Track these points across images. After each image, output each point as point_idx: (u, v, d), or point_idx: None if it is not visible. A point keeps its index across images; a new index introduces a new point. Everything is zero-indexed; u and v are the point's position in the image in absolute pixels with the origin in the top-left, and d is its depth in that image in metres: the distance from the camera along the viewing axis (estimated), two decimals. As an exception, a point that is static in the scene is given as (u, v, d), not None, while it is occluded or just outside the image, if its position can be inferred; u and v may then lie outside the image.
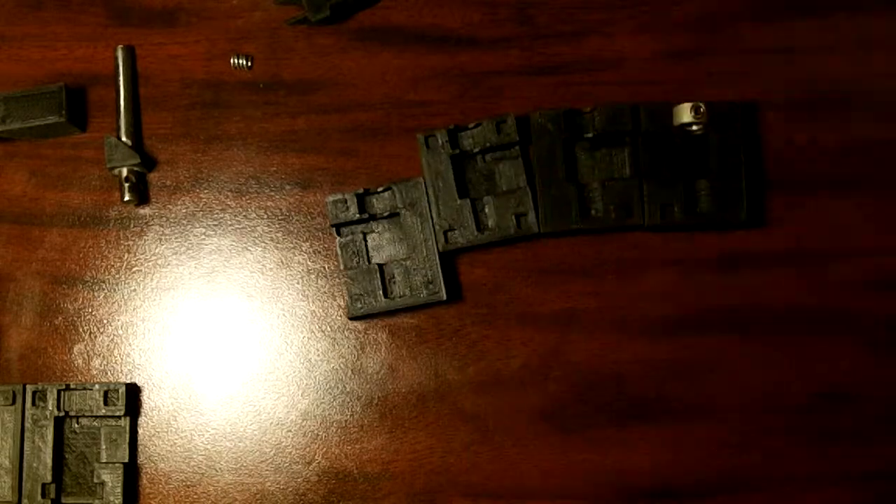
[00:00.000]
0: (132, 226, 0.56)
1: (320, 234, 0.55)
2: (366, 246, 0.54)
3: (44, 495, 0.52)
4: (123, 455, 0.52)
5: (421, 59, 0.56)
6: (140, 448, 0.54)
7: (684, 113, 0.53)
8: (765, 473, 0.53)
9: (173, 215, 0.56)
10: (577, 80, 0.56)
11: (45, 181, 0.56)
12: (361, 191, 0.54)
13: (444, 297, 0.53)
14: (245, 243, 0.55)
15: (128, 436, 0.53)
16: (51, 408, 0.52)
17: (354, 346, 0.54)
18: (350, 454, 0.54)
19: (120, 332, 0.55)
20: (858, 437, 0.53)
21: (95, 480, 0.52)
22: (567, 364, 0.54)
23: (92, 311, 0.55)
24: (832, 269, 0.54)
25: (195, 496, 0.54)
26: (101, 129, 0.56)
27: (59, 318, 0.55)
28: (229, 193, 0.56)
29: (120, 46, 0.56)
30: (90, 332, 0.55)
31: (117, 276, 0.55)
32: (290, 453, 0.54)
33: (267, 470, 0.54)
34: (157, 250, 0.56)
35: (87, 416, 0.53)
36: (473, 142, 0.54)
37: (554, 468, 0.53)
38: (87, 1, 0.57)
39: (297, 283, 0.55)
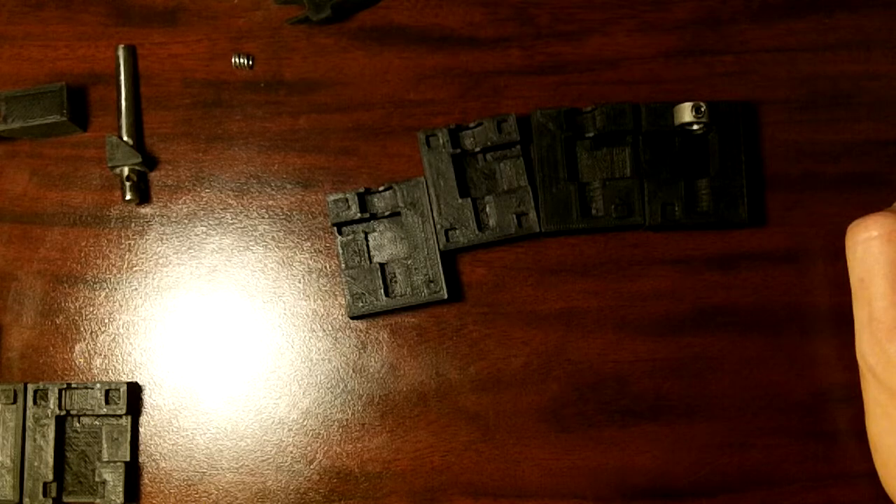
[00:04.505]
0: (133, 225, 0.56)
1: (321, 233, 0.55)
2: (367, 245, 0.54)
3: (45, 494, 0.52)
4: (125, 454, 0.53)
5: (422, 58, 0.56)
6: (141, 447, 0.54)
7: (685, 112, 0.53)
8: (765, 473, 0.53)
9: (174, 214, 0.56)
10: (577, 80, 0.56)
11: (47, 180, 0.56)
12: (362, 190, 0.54)
13: (446, 297, 0.53)
14: (246, 242, 0.55)
15: (129, 435, 0.53)
16: (52, 407, 0.52)
17: (356, 345, 0.55)
18: (351, 453, 0.54)
19: (121, 331, 0.55)
20: (858, 437, 0.53)
21: (97, 479, 0.52)
22: (568, 363, 0.54)
23: (93, 310, 0.55)
24: (833, 269, 0.54)
25: (196, 495, 0.54)
26: (103, 128, 0.56)
27: (61, 317, 0.55)
28: (230, 192, 0.56)
29: (121, 46, 0.56)
30: (91, 331, 0.55)
31: (118, 275, 0.55)
32: (291, 452, 0.54)
33: (268, 469, 0.54)
34: (158, 249, 0.56)
35: (89, 415, 0.53)
36: (474, 141, 0.54)
37: (555, 467, 0.53)
38: (88, 0, 0.57)
39: (299, 282, 0.55)
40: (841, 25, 0.57)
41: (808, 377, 0.54)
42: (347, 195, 0.54)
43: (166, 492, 0.54)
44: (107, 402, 0.53)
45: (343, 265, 0.54)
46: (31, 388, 0.53)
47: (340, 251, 0.54)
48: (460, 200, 0.53)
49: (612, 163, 0.55)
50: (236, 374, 0.55)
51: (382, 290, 0.53)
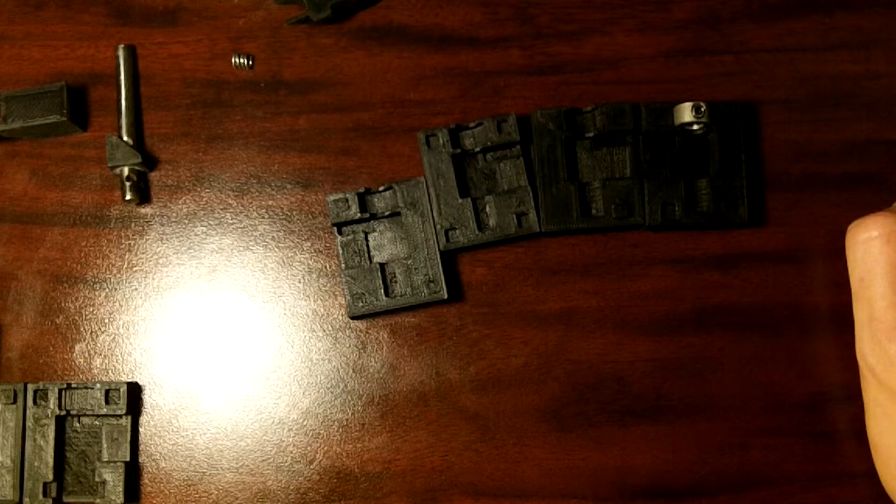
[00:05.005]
0: (133, 225, 0.56)
1: (321, 233, 0.55)
2: (367, 245, 0.54)
3: (45, 494, 0.52)
4: (125, 454, 0.53)
5: (422, 58, 0.56)
6: (141, 447, 0.54)
7: (685, 112, 0.53)
8: (765, 473, 0.53)
9: (174, 214, 0.56)
10: (577, 80, 0.56)
11: (47, 180, 0.56)
12: (362, 190, 0.54)
13: (446, 297, 0.53)
14: (246, 242, 0.55)
15: (129, 434, 0.53)
16: (52, 407, 0.52)
17: (356, 345, 0.55)
18: (351, 453, 0.54)
19: (121, 331, 0.55)
20: (858, 437, 0.53)
21: (97, 479, 0.52)
22: (568, 363, 0.54)
23: (93, 310, 0.55)
24: (833, 269, 0.54)
25: (196, 495, 0.54)
26: (103, 128, 0.56)
27: (61, 317, 0.55)
28: (230, 192, 0.56)
29: (121, 46, 0.56)
30: (91, 331, 0.55)
31: (118, 275, 0.55)
32: (291, 452, 0.54)
33: (268, 469, 0.54)
34: (158, 249, 0.56)
35: (89, 415, 0.53)
36: (474, 141, 0.54)
37: (555, 467, 0.53)
38: (88, 0, 0.57)
39: (299, 282, 0.55)
40: (841, 25, 0.57)
41: (808, 377, 0.54)
42: (347, 195, 0.54)
43: (166, 492, 0.54)
44: (107, 402, 0.53)
45: (343, 265, 0.54)
46: (31, 388, 0.53)
47: (340, 251, 0.54)
48: (460, 200, 0.53)
49: (612, 163, 0.55)
50: (236, 374, 0.55)
51: (382, 290, 0.53)
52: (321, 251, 0.55)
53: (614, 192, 0.54)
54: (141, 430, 0.54)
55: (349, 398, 0.54)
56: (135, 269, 0.55)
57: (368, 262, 0.54)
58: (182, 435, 0.54)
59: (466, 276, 0.55)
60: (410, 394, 0.54)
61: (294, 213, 0.56)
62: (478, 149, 0.54)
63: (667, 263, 0.55)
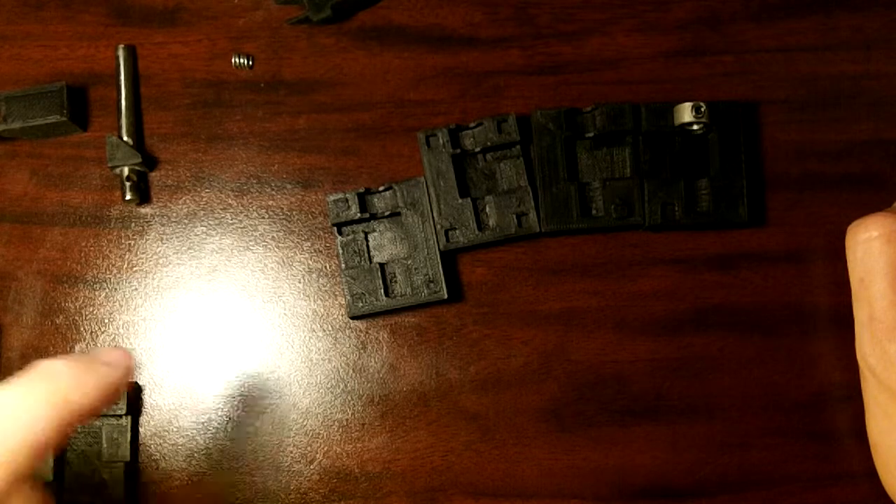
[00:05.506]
0: (133, 225, 0.56)
1: (321, 233, 0.55)
2: (367, 245, 0.54)
3: (45, 494, 0.52)
4: (125, 454, 0.52)
5: (422, 58, 0.56)
6: (141, 447, 0.54)
7: (685, 112, 0.53)
8: (765, 473, 0.53)
9: (174, 214, 0.56)
10: (577, 80, 0.56)
11: (47, 180, 0.56)
12: (362, 190, 0.54)
13: (446, 297, 0.53)
14: (246, 242, 0.55)
15: (129, 435, 0.53)
16: (52, 407, 0.52)
17: (355, 345, 0.55)
18: (351, 453, 0.54)
19: (121, 331, 0.55)
20: (858, 437, 0.53)
21: (97, 479, 0.52)
22: (568, 363, 0.54)
23: (93, 310, 0.55)
24: (833, 269, 0.54)
25: (197, 495, 0.54)
26: (103, 128, 0.56)
27: (61, 318, 0.55)
28: (230, 193, 0.56)
29: (121, 46, 0.56)
30: (91, 332, 0.55)
31: (118, 275, 0.55)
32: (291, 452, 0.54)
33: (268, 469, 0.54)
34: (158, 249, 0.56)
35: (89, 415, 0.53)
36: (474, 141, 0.54)
37: (555, 467, 0.53)
38: (88, 0, 0.57)
39: (299, 282, 0.55)
40: (841, 25, 0.57)
41: (808, 377, 0.54)
42: (347, 195, 0.54)
43: (166, 492, 0.54)
44: (107, 402, 0.53)
45: (343, 265, 0.54)
46: (31, 388, 0.53)
47: (340, 251, 0.54)
48: (460, 200, 0.53)
49: (612, 163, 0.55)
50: (236, 374, 0.55)
51: (382, 290, 0.53)
52: (321, 251, 0.55)
53: (614, 192, 0.54)
54: (141, 430, 0.54)
55: (349, 398, 0.54)
56: (135, 269, 0.55)
57: (368, 262, 0.54)
58: (182, 435, 0.54)
59: (466, 276, 0.55)
60: (410, 394, 0.54)
61: (294, 213, 0.56)
62: (478, 149, 0.54)
63: (667, 263, 0.55)
